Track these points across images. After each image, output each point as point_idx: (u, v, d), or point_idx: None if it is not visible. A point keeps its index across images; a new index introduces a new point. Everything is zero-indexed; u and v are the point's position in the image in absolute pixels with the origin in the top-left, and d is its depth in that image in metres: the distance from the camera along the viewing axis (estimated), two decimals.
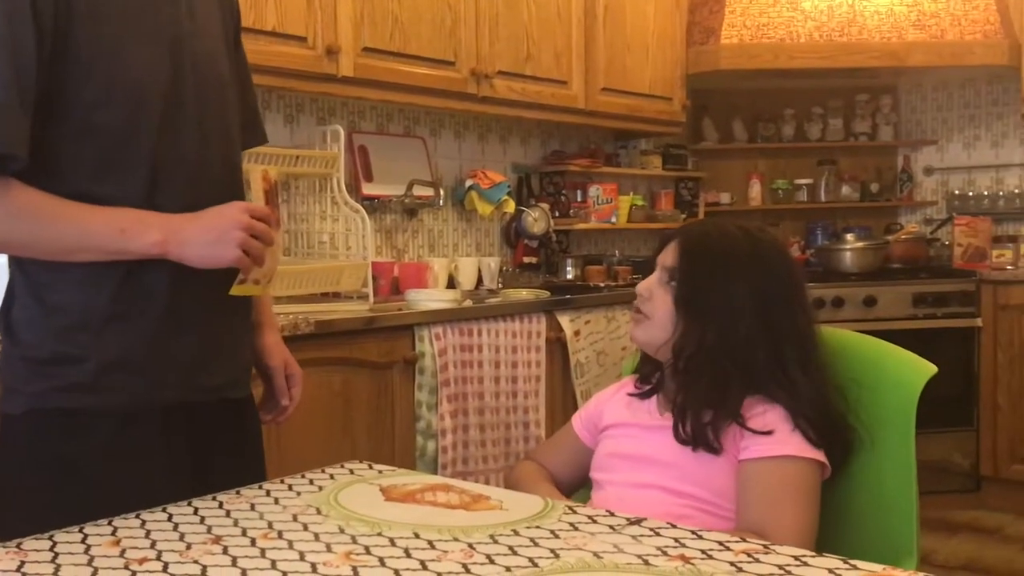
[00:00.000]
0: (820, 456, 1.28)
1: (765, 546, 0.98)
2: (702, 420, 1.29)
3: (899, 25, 3.85)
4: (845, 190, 4.45)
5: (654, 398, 1.41)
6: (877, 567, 0.91)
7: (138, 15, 1.26)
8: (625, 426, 1.42)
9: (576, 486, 1.51)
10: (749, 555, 0.95)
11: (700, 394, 1.30)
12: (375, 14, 2.72)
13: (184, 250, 1.23)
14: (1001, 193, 4.28)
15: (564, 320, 2.96)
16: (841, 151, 4.49)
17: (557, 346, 2.93)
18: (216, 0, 1.40)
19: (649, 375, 1.43)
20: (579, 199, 3.73)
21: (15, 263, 1.28)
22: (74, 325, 1.24)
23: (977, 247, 4.13)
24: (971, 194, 4.34)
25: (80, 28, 1.20)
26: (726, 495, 1.28)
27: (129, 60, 1.23)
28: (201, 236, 1.23)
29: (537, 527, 1.04)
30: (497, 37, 3.09)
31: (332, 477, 1.25)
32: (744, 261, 1.33)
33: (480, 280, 3.24)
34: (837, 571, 0.90)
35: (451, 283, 3.16)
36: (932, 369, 1.35)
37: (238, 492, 1.19)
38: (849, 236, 4.13)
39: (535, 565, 0.93)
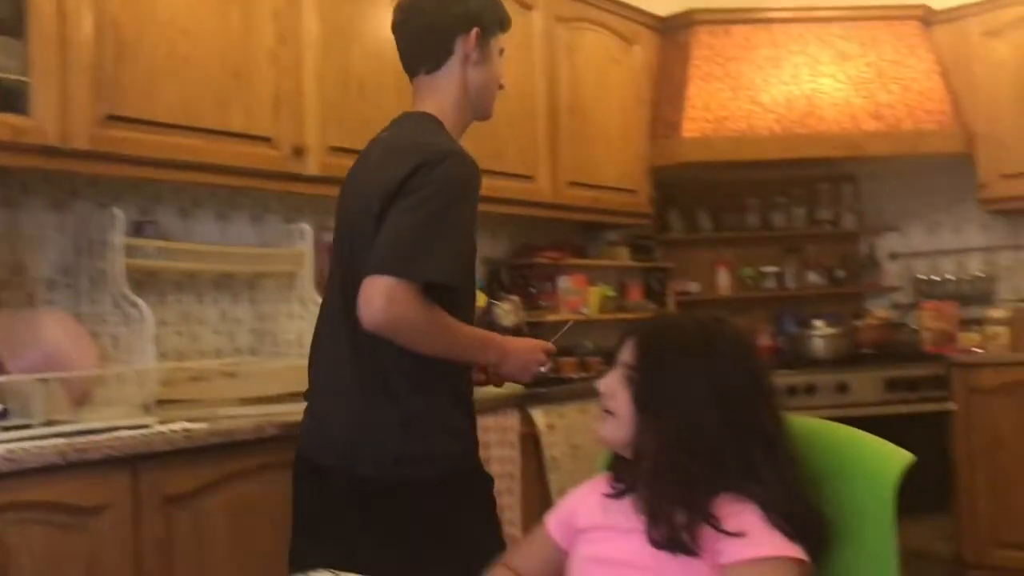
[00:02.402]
0: (800, 553, 1.23)
1: None
2: (675, 522, 1.24)
3: (856, 116, 3.95)
4: (811, 277, 4.50)
5: (629, 498, 1.37)
6: None
7: None
8: (600, 529, 1.36)
9: None
10: None
11: (666, 495, 1.26)
12: (343, 116, 2.75)
13: (502, 368, 1.88)
14: (965, 277, 4.34)
15: (537, 414, 2.92)
16: (806, 239, 4.55)
17: (530, 441, 2.88)
18: None
19: (622, 473, 1.39)
20: (549, 291, 3.73)
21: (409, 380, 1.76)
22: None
23: (945, 331, 4.17)
24: (936, 279, 4.40)
25: None
26: None
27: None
28: (516, 361, 1.89)
29: None
30: (465, 134, 3.11)
31: None
32: (699, 355, 1.30)
33: None
34: None
35: None
36: (909, 457, 1.33)
37: None
38: (818, 323, 4.15)
39: None
